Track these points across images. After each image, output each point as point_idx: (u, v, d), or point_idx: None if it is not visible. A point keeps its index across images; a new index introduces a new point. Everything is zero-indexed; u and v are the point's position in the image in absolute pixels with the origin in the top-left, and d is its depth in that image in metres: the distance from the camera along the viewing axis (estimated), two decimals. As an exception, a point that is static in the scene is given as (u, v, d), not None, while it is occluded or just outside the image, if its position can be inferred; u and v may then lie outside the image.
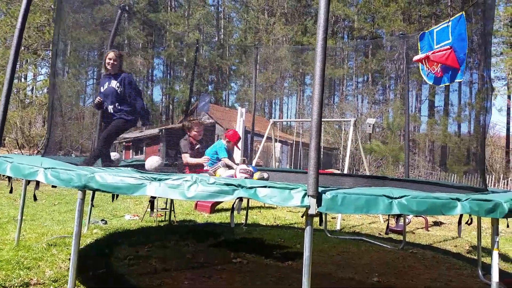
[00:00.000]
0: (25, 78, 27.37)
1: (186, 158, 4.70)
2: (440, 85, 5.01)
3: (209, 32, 41.91)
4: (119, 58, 4.35)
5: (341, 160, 24.63)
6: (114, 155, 4.33)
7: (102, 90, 4.34)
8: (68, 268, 3.56)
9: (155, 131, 27.43)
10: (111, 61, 4.27)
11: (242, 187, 2.39)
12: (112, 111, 4.22)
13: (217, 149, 4.90)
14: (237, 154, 9.76)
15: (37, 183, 2.94)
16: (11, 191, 3.64)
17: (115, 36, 6.20)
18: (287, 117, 42.50)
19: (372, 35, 36.77)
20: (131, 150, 28.29)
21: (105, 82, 4.32)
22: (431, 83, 5.06)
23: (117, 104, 4.21)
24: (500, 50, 28.20)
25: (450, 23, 4.47)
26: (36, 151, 15.44)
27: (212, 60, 38.81)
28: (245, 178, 3.61)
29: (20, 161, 2.99)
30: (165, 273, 3.80)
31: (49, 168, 2.70)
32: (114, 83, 4.23)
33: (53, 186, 2.76)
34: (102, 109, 4.38)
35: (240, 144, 5.30)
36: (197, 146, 4.91)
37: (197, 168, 4.56)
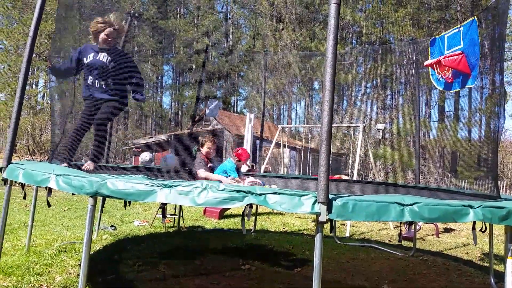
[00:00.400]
0: (36, 85, 27.73)
1: (202, 173, 4.56)
2: (451, 91, 4.98)
3: (218, 38, 42.18)
4: (116, 35, 4.02)
5: (350, 166, 24.52)
6: (145, 155, 4.18)
7: (86, 60, 3.92)
8: (78, 274, 3.57)
9: (164, 137, 27.59)
10: (108, 38, 3.93)
11: (252, 193, 2.38)
12: (103, 87, 3.91)
13: (226, 169, 4.87)
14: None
15: (49, 189, 2.96)
16: (24, 197, 3.68)
17: (125, 43, 6.27)
18: (296, 123, 42.49)
19: (381, 40, 36.73)
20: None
21: (91, 52, 3.94)
22: (441, 89, 5.02)
23: (109, 81, 3.90)
24: (511, 54, 28.00)
25: (461, 28, 4.44)
26: (46, 157, 15.58)
27: (221, 66, 39.02)
28: None
29: (32, 168, 3.02)
30: (174, 279, 3.80)
31: (61, 174, 2.72)
32: (105, 58, 3.91)
33: (73, 194, 2.78)
34: (71, 75, 4.08)
35: (248, 162, 5.29)
36: (209, 164, 4.86)
37: None
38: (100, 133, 3.99)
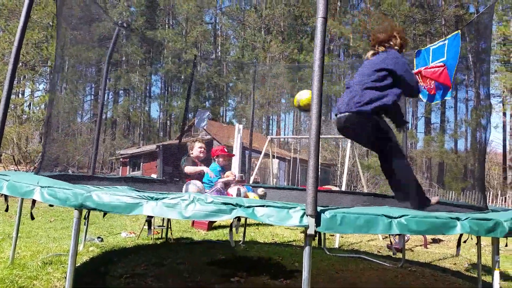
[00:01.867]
0: (23, 94, 27.46)
1: (187, 169, 4.60)
2: (433, 102, 5.03)
3: (207, 49, 42.31)
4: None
5: (339, 177, 24.64)
6: (193, 186, 4.06)
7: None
8: (63, 287, 3.50)
9: (152, 147, 27.41)
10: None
11: (240, 206, 2.37)
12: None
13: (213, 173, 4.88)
14: (235, 166, 9.74)
15: (33, 201, 2.91)
16: (7, 210, 3.61)
17: (113, 53, 6.25)
18: (285, 134, 42.63)
19: (368, 53, 37.17)
20: (128, 166, 28.18)
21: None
22: (425, 100, 5.08)
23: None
24: (494, 68, 28.57)
25: (446, 41, 4.52)
26: (32, 168, 15.37)
27: (210, 77, 39.08)
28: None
29: (16, 179, 2.96)
30: (162, 292, 3.74)
31: (45, 186, 2.68)
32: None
33: (50, 205, 2.74)
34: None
35: (237, 173, 5.30)
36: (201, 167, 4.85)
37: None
38: None
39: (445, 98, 4.52)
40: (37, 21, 19.63)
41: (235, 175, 4.38)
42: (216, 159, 4.98)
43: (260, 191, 4.49)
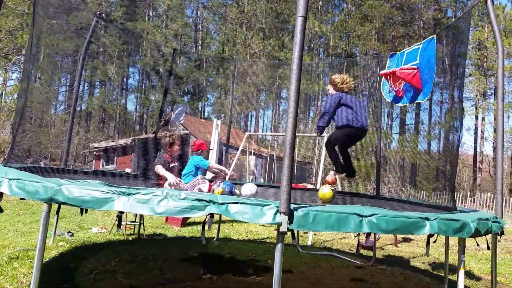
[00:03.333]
0: (-6, 83, 26.55)
1: (157, 168, 4.53)
2: (398, 104, 5.13)
3: (187, 43, 41.89)
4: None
5: (314, 175, 24.86)
6: (249, 188, 3.93)
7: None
8: (30, 283, 3.41)
9: (127, 141, 26.98)
10: None
11: (214, 203, 2.36)
12: None
13: (196, 163, 4.84)
14: (212, 159, 9.69)
15: (1, 194, 2.82)
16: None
17: (90, 43, 6.11)
18: (263, 130, 42.68)
19: (347, 53, 37.59)
20: (101, 160, 27.67)
21: None
22: (389, 101, 5.18)
23: None
24: (469, 71, 29.37)
25: (421, 45, 4.60)
26: (2, 159, 14.91)
27: (189, 71, 38.72)
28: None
29: (-18, 171, 2.86)
30: (133, 288, 3.70)
31: (14, 179, 2.60)
32: None
33: (21, 198, 2.65)
34: None
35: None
36: (173, 164, 4.80)
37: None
38: None
39: (417, 101, 4.61)
40: (11, 7, 19.01)
41: (204, 181, 4.31)
42: (200, 152, 4.99)
43: (237, 191, 4.42)
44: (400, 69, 4.74)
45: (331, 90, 4.74)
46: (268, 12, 39.88)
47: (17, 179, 2.60)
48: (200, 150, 5.03)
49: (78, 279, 3.85)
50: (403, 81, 4.72)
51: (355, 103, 4.52)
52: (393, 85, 4.90)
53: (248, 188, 3.90)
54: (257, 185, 6.66)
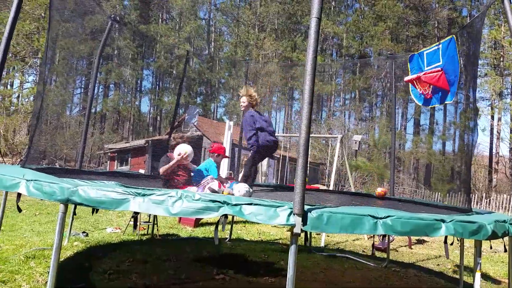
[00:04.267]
0: (12, 85, 27.05)
1: (163, 168, 4.43)
2: (429, 106, 5.09)
3: (200, 45, 42.07)
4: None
5: (327, 176, 24.74)
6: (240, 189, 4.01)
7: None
8: (46, 282, 3.47)
9: (141, 142, 27.20)
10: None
11: (228, 204, 2.37)
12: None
13: (207, 168, 4.82)
14: (224, 167, 9.71)
15: (19, 194, 2.88)
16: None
17: (105, 46, 6.19)
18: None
19: (360, 53, 37.37)
20: (116, 161, 27.95)
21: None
22: (421, 104, 5.12)
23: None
24: (484, 71, 28.90)
25: (440, 45, 4.56)
26: (19, 160, 15.18)
27: (202, 73, 38.88)
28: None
29: (1, 172, 2.92)
30: (147, 288, 3.73)
31: (31, 180, 2.64)
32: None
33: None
34: None
35: (226, 170, 5.30)
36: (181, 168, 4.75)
37: (180, 175, 4.42)
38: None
39: (446, 102, 4.57)
40: (28, 11, 19.34)
41: (213, 180, 4.30)
42: (216, 157, 4.92)
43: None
44: (425, 74, 4.72)
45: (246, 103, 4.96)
46: (281, 13, 39.86)
47: (35, 180, 2.65)
48: (216, 154, 4.96)
49: (93, 279, 3.90)
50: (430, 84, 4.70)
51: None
52: (421, 89, 4.87)
53: (238, 190, 3.73)
54: (270, 186, 6.68)
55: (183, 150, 4.21)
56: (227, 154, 5.23)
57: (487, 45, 28.28)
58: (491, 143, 31.52)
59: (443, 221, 2.52)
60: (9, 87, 26.55)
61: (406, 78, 5.14)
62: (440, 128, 32.45)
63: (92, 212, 3.85)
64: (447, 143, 30.16)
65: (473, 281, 2.73)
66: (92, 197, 2.42)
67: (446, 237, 2.92)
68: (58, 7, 4.90)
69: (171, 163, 4.18)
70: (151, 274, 4.19)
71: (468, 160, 4.03)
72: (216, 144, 5.10)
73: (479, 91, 28.30)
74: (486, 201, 20.35)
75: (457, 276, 5.00)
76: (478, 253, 2.79)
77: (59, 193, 2.48)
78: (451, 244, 2.96)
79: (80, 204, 2.45)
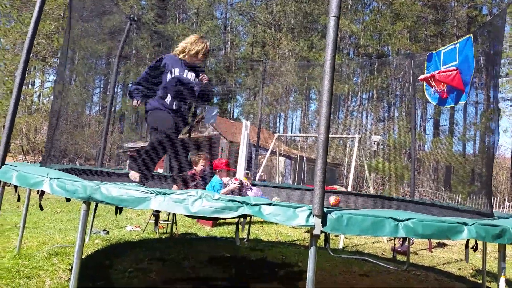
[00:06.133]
0: (33, 85, 27.60)
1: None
2: (445, 106, 5.00)
3: (216, 45, 42.26)
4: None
5: (345, 177, 24.55)
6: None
7: (171, 74, 4.16)
8: (69, 279, 3.53)
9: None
10: (202, 58, 4.26)
11: (247, 204, 2.37)
12: (182, 109, 4.26)
13: (214, 186, 4.81)
14: (241, 167, 9.72)
15: (42, 192, 2.94)
16: (18, 199, 3.65)
17: (124, 46, 6.27)
18: (292, 131, 42.49)
19: (378, 52, 36.97)
20: (134, 160, 28.30)
21: (177, 66, 4.26)
22: (435, 104, 5.04)
23: (189, 103, 4.29)
24: (506, 71, 28.26)
25: (457, 44, 4.48)
26: (40, 158, 15.50)
27: (218, 73, 39.04)
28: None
29: (26, 170, 2.99)
30: (165, 287, 3.76)
31: (55, 178, 2.70)
32: (192, 77, 4.25)
33: (67, 199, 2.74)
34: None
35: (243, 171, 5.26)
36: (197, 182, 4.76)
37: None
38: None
39: (460, 102, 4.49)
40: (48, 12, 19.70)
41: (239, 184, 4.34)
42: (219, 173, 4.88)
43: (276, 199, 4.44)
44: (439, 72, 4.63)
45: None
46: (297, 12, 39.73)
47: (58, 178, 2.70)
48: (219, 170, 4.91)
49: (114, 277, 3.95)
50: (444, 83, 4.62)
51: None
52: (436, 87, 4.79)
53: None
54: (287, 188, 6.66)
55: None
56: (232, 166, 5.15)
57: (508, 44, 27.65)
58: (513, 144, 30.79)
59: (465, 224, 2.47)
60: (30, 86, 27.13)
61: (421, 77, 5.06)
62: (460, 129, 31.88)
63: (116, 212, 3.89)
64: (468, 144, 29.61)
65: (497, 286, 2.67)
66: (114, 195, 2.45)
67: (467, 242, 2.87)
68: (77, 8, 4.98)
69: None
70: (170, 273, 4.23)
71: (489, 162, 3.95)
72: (217, 160, 5.06)
73: (500, 91, 27.70)
74: (509, 204, 19.91)
75: (479, 281, 4.91)
76: (502, 257, 2.73)
77: (82, 191, 2.52)
78: (475, 250, 2.90)
79: (102, 202, 2.49)
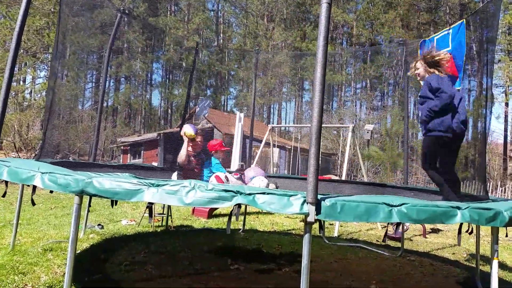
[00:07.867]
0: (24, 81, 27.32)
1: (179, 159, 4.65)
2: None
3: (209, 37, 41.98)
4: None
5: (339, 166, 24.66)
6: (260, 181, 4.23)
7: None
8: (63, 274, 3.52)
9: (153, 135, 27.38)
10: None
11: (241, 193, 2.37)
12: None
13: (212, 167, 4.87)
14: (235, 159, 9.72)
15: (34, 187, 2.91)
16: (4, 195, 3.62)
17: (115, 40, 6.21)
18: (286, 122, 42.52)
19: (371, 42, 36.94)
20: (129, 154, 28.21)
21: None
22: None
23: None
24: (498, 57, 28.35)
25: (450, 30, 4.48)
26: (33, 155, 15.39)
27: (211, 65, 38.85)
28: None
29: (17, 165, 2.96)
30: (161, 279, 3.77)
31: (46, 172, 2.67)
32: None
33: (50, 191, 2.73)
34: None
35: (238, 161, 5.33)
36: (195, 158, 4.83)
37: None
38: None
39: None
40: (38, 7, 19.45)
41: (227, 178, 4.37)
42: (215, 154, 5.00)
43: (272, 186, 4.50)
44: None
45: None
46: (289, 2, 39.51)
47: (49, 173, 2.68)
48: (214, 151, 5.02)
49: (109, 270, 3.95)
50: None
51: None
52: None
53: (258, 184, 4.14)
54: (282, 177, 6.68)
55: (185, 131, 4.54)
56: (226, 146, 5.24)
57: (500, 31, 27.71)
58: (506, 131, 31.06)
59: (458, 208, 2.49)
60: (21, 82, 26.85)
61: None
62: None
63: (112, 205, 3.87)
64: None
65: (491, 269, 2.69)
66: (107, 188, 2.44)
67: (460, 228, 2.89)
68: (67, 2, 4.92)
69: (183, 149, 4.30)
70: (167, 265, 4.23)
71: (482, 147, 3.97)
72: (212, 142, 5.13)
73: (493, 77, 27.79)
74: (502, 189, 20.11)
75: (473, 265, 4.96)
76: (495, 240, 2.75)
77: (74, 184, 2.50)
78: (470, 233, 2.92)
79: (95, 195, 2.47)
